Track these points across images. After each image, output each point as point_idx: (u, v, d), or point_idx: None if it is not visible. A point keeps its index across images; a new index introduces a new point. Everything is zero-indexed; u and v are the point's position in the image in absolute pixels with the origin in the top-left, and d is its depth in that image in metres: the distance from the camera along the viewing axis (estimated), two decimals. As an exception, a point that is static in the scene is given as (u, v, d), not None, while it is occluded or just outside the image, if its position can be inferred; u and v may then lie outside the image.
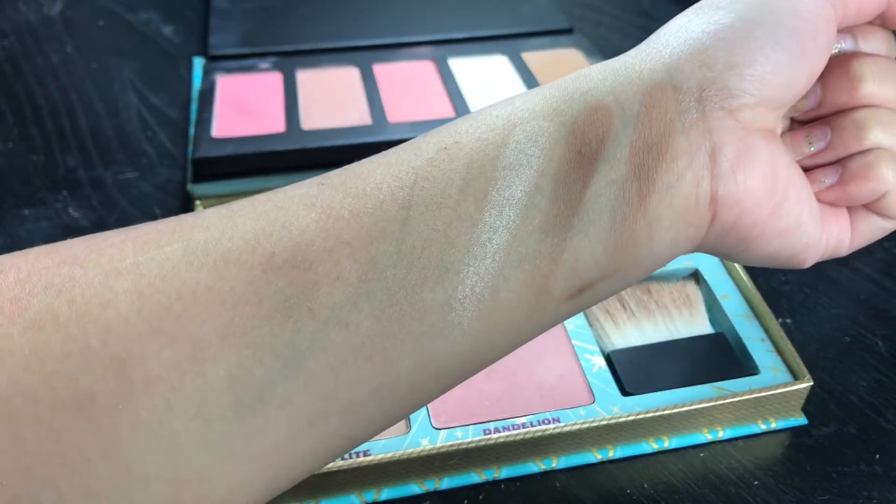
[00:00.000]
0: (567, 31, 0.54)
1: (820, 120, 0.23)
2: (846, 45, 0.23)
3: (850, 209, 0.24)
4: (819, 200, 0.23)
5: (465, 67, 0.49)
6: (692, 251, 0.21)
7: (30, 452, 0.16)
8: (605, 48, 0.57)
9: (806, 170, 0.23)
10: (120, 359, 0.17)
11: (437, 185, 0.19)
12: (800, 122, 0.24)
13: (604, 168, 0.20)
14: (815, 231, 0.22)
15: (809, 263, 0.23)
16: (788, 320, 0.36)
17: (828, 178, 0.23)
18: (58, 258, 0.18)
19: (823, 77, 0.23)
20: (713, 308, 0.35)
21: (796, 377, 0.31)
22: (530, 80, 0.47)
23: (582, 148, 0.20)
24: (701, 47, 0.21)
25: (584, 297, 0.20)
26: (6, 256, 0.19)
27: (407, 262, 0.19)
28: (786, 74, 0.20)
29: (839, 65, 0.22)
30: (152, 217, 0.41)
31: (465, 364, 0.20)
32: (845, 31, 0.23)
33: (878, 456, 0.30)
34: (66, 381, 0.17)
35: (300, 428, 0.18)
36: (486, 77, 0.48)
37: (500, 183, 0.19)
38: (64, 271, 0.18)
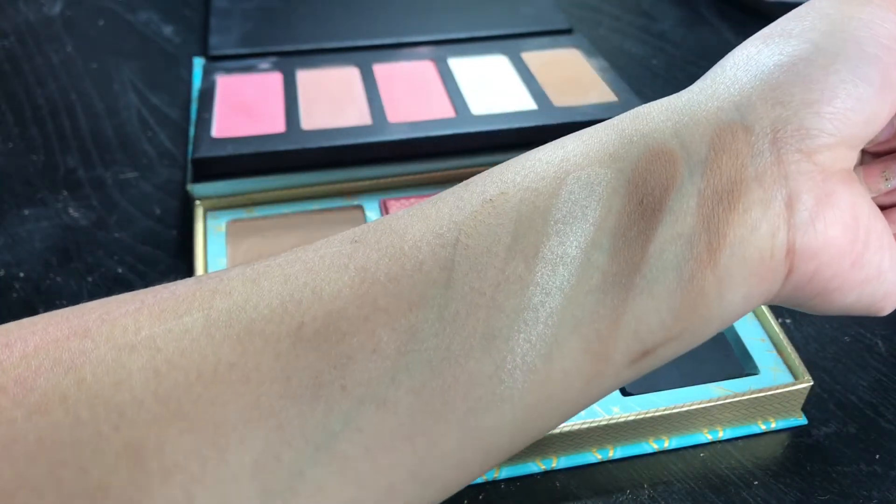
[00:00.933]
0: (567, 31, 0.54)
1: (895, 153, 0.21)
2: None
3: None
4: None
5: (465, 67, 0.49)
6: (764, 305, 0.20)
7: None
8: (605, 48, 0.57)
9: (882, 208, 0.21)
10: (134, 446, 0.15)
11: (483, 243, 0.17)
12: (871, 155, 0.22)
13: (669, 220, 0.18)
14: (895, 277, 0.20)
15: (887, 312, 0.21)
16: (788, 320, 0.36)
17: None
18: (68, 329, 0.17)
19: None
20: (713, 308, 0.35)
21: (796, 377, 0.31)
22: (530, 80, 0.47)
23: (644, 198, 0.18)
24: (774, 83, 0.19)
25: (647, 361, 0.18)
26: (14, 325, 0.17)
27: (450, 331, 0.17)
28: (868, 110, 0.18)
29: None
30: (152, 217, 0.41)
31: (515, 439, 0.18)
32: None
33: (878, 456, 0.30)
34: (74, 473, 0.15)
35: None
36: (486, 77, 0.48)
37: (553, 238, 0.18)
38: (74, 345, 0.16)
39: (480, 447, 0.17)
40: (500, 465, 0.29)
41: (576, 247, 0.17)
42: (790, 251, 0.18)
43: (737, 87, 0.19)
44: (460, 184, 0.20)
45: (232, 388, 0.16)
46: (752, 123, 0.18)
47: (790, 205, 0.18)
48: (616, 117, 0.20)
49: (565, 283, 0.17)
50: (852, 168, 0.20)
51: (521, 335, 0.17)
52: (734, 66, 0.20)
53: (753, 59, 0.19)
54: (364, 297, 0.17)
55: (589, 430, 0.29)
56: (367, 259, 0.18)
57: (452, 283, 0.17)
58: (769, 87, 0.19)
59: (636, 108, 0.20)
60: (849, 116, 0.18)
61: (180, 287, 0.18)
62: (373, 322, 0.17)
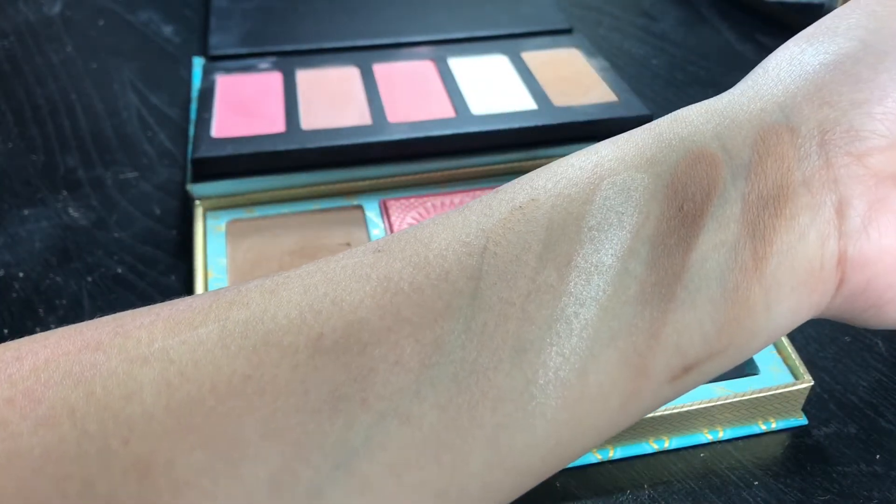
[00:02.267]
0: (567, 31, 0.54)
1: None
2: None
3: None
4: None
5: (465, 67, 0.49)
6: (814, 317, 0.19)
7: None
8: (605, 48, 0.57)
9: None
10: (143, 461, 0.15)
11: (512, 251, 0.17)
12: None
13: (711, 227, 0.17)
14: None
15: None
16: (788, 320, 0.36)
17: None
18: (80, 342, 0.16)
19: None
20: (713, 308, 0.35)
21: (796, 377, 0.31)
22: (530, 80, 0.47)
23: (684, 203, 0.17)
24: (820, 82, 0.18)
25: (689, 377, 0.17)
26: (27, 340, 0.17)
27: (478, 343, 0.16)
28: None
29: None
30: (152, 217, 0.41)
31: (548, 459, 0.17)
32: None
33: (878, 456, 0.30)
34: (80, 487, 0.14)
35: None
36: (486, 77, 0.48)
37: (587, 246, 0.17)
38: (85, 358, 0.16)
39: (511, 467, 0.16)
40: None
41: (611, 255, 0.17)
42: (841, 260, 0.17)
43: (780, 87, 0.18)
44: (490, 192, 0.19)
45: (247, 401, 0.15)
46: (798, 125, 0.17)
47: (841, 211, 0.17)
48: (653, 121, 0.19)
49: (600, 293, 0.16)
50: None
51: (554, 348, 0.16)
52: (777, 67, 0.19)
53: (797, 58, 0.19)
54: (386, 308, 0.16)
55: (589, 430, 0.29)
56: (390, 268, 0.17)
57: (480, 292, 0.16)
58: (815, 87, 0.18)
59: (675, 112, 0.19)
60: None
61: (197, 300, 0.17)
62: (396, 333, 0.16)
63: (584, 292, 0.16)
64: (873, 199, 0.17)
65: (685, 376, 0.17)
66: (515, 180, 0.19)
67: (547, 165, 0.19)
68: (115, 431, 0.15)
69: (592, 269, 0.16)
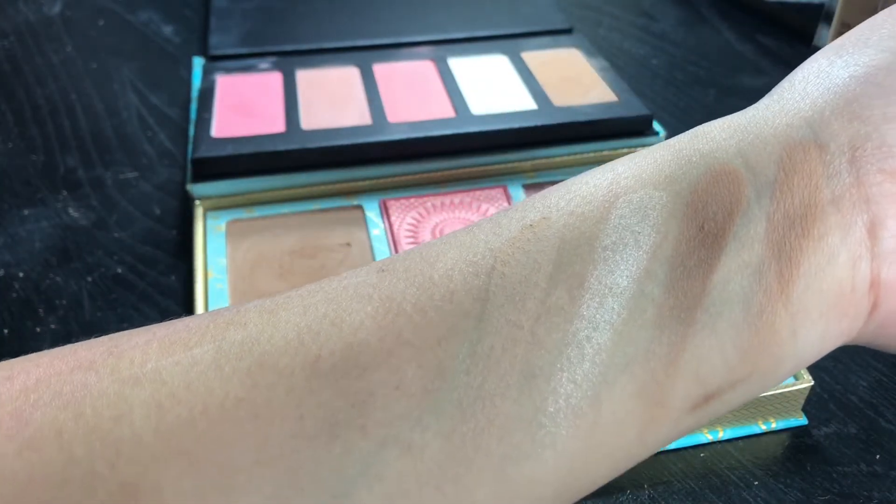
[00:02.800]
0: (567, 31, 0.54)
1: None
2: None
3: None
4: None
5: (465, 67, 0.49)
6: (845, 344, 0.18)
7: None
8: (605, 48, 0.57)
9: None
10: (130, 485, 0.14)
11: (521, 271, 0.16)
12: None
13: (734, 247, 0.16)
14: None
15: None
16: (788, 320, 0.36)
17: None
18: (73, 362, 0.16)
19: None
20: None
21: (796, 377, 0.31)
22: (530, 80, 0.47)
23: (705, 223, 0.16)
24: (850, 96, 0.17)
25: (711, 407, 0.16)
26: (19, 360, 0.16)
27: (483, 368, 0.15)
28: None
29: None
30: (152, 217, 0.41)
31: (560, 491, 0.16)
32: None
33: (878, 456, 0.30)
34: None
35: None
36: (486, 77, 0.48)
37: (601, 267, 0.16)
38: (77, 378, 0.15)
39: (519, 499, 0.16)
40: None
41: (627, 277, 0.16)
42: (874, 283, 0.16)
43: (808, 101, 0.17)
44: (501, 210, 0.18)
45: (239, 426, 0.14)
46: (826, 141, 0.17)
47: (873, 231, 0.16)
48: (674, 138, 0.18)
49: (615, 316, 0.15)
50: None
51: (565, 374, 0.15)
52: (804, 80, 0.18)
53: (825, 71, 0.18)
54: (387, 329, 0.15)
55: (589, 430, 0.29)
56: (393, 289, 0.16)
57: (487, 315, 0.15)
58: (845, 101, 0.17)
59: (696, 128, 0.18)
60: None
61: (195, 320, 0.17)
62: (397, 357, 0.15)
63: (598, 315, 0.15)
64: None
65: (706, 406, 0.16)
66: (528, 198, 0.18)
67: (562, 183, 0.18)
68: (102, 454, 0.14)
69: (606, 291, 0.16)
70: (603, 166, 0.18)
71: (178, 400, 0.15)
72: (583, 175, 0.18)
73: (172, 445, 0.14)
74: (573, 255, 0.16)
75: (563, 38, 0.52)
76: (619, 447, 0.16)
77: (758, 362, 0.16)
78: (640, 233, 0.16)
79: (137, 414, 0.14)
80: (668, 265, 0.16)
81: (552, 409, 0.15)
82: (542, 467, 0.15)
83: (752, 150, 0.17)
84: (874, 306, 0.17)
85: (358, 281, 0.17)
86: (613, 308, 0.15)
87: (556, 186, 0.18)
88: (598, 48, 0.54)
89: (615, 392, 0.15)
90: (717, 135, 0.17)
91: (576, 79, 0.47)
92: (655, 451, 0.17)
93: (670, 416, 0.16)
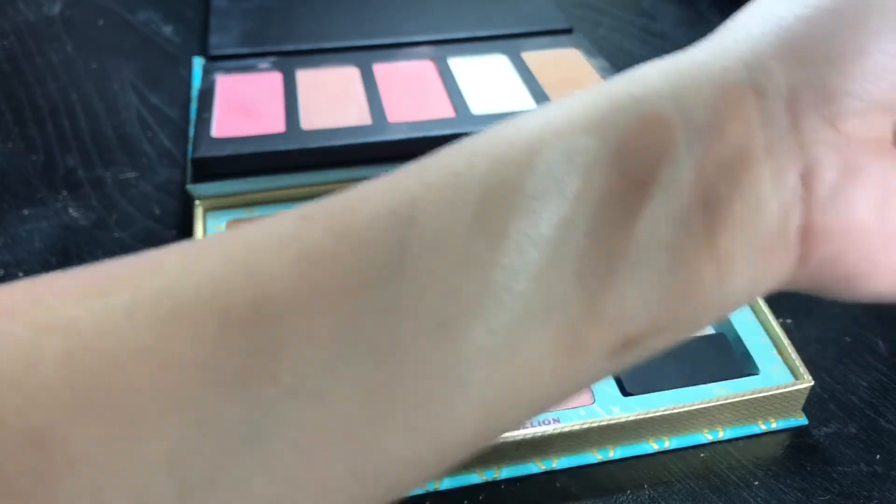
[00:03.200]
0: (567, 31, 0.54)
1: None
2: None
3: None
4: None
5: (465, 67, 0.49)
6: (779, 290, 0.17)
7: None
8: (605, 48, 0.57)
9: None
10: (38, 433, 0.14)
11: (441, 221, 0.15)
12: None
13: (660, 195, 0.15)
14: None
15: None
16: (788, 320, 0.36)
17: None
18: None
19: None
20: (713, 308, 0.35)
21: (796, 377, 0.31)
22: (530, 80, 0.47)
23: (631, 170, 0.16)
24: (792, 38, 0.16)
25: (631, 353, 0.16)
26: None
27: (398, 318, 0.15)
28: None
29: None
30: (152, 217, 0.41)
31: (476, 436, 0.16)
32: None
33: (878, 456, 0.30)
34: None
35: None
36: (486, 77, 0.48)
37: (523, 216, 0.15)
38: None
39: (434, 446, 0.16)
40: (499, 465, 0.29)
41: (549, 226, 0.15)
42: (806, 232, 0.16)
43: (748, 43, 0.17)
44: (431, 152, 0.17)
45: (148, 376, 0.14)
46: (764, 85, 0.16)
47: (807, 179, 0.16)
48: (609, 80, 0.17)
49: (535, 265, 0.15)
50: (889, 138, 0.17)
51: (482, 323, 0.15)
52: (746, 21, 0.17)
53: (770, 11, 0.17)
54: (302, 279, 0.15)
55: (589, 430, 0.29)
56: (310, 236, 0.16)
57: (404, 264, 0.15)
58: (787, 44, 0.16)
59: (633, 69, 0.17)
60: (882, 76, 0.16)
61: (117, 263, 0.16)
62: (310, 306, 0.15)
63: (517, 265, 0.15)
64: (845, 167, 0.16)
65: (626, 352, 0.16)
66: (461, 141, 0.17)
67: (497, 124, 0.17)
68: (11, 403, 0.14)
69: (527, 240, 0.15)
70: (538, 108, 0.17)
71: (89, 349, 0.14)
72: (517, 117, 0.17)
73: (81, 395, 0.14)
74: (495, 204, 0.15)
75: (563, 38, 0.52)
76: (536, 393, 0.16)
77: (681, 310, 0.16)
78: (564, 181, 0.16)
79: (48, 362, 0.14)
80: (592, 213, 0.15)
81: (467, 359, 0.15)
82: (457, 415, 0.15)
83: (686, 95, 0.16)
84: (806, 255, 0.16)
85: (278, 229, 0.16)
86: (533, 257, 0.15)
87: (490, 128, 0.17)
88: (598, 48, 0.54)
89: (533, 340, 0.15)
90: (652, 78, 0.17)
91: (576, 79, 0.47)
92: (575, 394, 0.17)
93: (589, 362, 0.16)
